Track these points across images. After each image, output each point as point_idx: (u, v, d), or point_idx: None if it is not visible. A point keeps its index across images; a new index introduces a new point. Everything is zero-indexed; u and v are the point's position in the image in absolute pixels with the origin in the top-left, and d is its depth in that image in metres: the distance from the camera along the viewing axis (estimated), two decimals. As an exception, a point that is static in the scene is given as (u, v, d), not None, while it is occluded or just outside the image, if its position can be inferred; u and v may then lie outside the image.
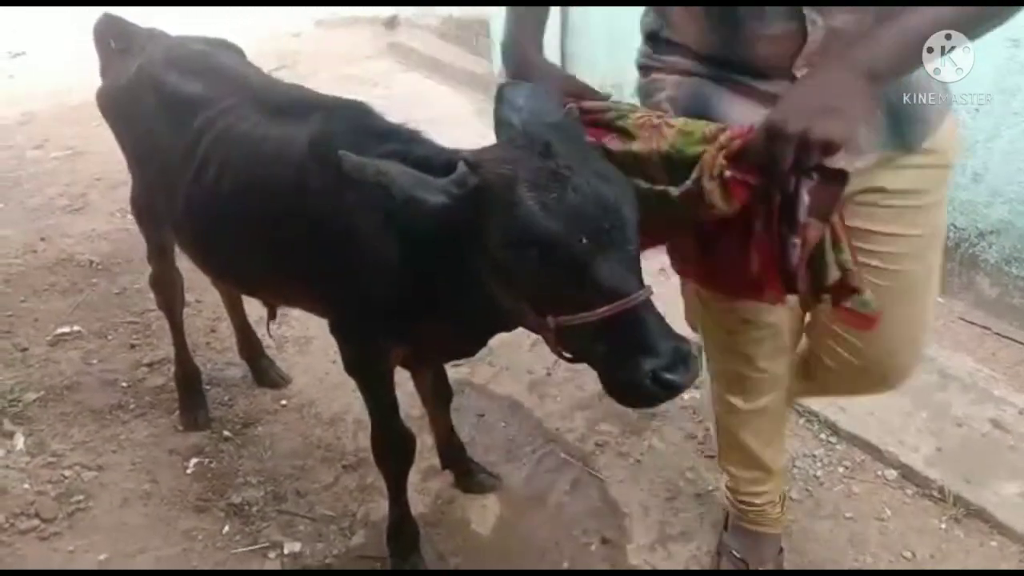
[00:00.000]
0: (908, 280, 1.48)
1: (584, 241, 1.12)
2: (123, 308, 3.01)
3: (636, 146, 1.25)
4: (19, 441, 2.35)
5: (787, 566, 1.93)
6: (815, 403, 2.33)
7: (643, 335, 1.14)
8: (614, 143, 1.28)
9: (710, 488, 2.17)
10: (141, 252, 2.43)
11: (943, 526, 2.02)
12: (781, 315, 1.57)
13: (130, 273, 3.19)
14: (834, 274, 1.22)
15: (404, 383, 1.91)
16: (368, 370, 1.72)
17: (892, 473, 2.19)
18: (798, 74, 1.26)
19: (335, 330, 1.70)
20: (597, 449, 2.33)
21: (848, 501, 2.12)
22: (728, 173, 1.13)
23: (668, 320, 1.18)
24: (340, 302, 1.65)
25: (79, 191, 3.95)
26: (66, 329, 2.86)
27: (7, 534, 2.05)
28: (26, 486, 2.19)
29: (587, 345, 1.20)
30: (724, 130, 1.16)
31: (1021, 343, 2.62)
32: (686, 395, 2.35)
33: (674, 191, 1.19)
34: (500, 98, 1.36)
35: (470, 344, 1.70)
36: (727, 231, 1.24)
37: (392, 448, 1.83)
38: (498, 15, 4.81)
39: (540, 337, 1.29)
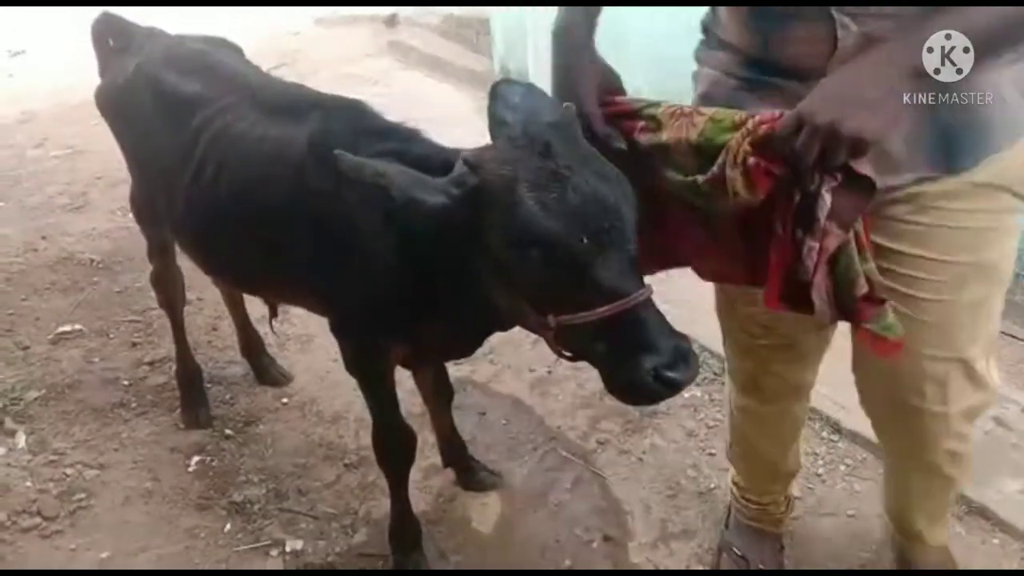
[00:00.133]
0: (939, 313, 1.31)
1: (584, 241, 1.12)
2: (124, 306, 3.01)
3: (666, 136, 1.20)
4: (21, 439, 2.35)
5: (788, 564, 1.93)
6: (817, 401, 2.32)
7: (643, 334, 1.14)
8: (644, 135, 1.24)
9: (712, 485, 2.17)
10: (142, 250, 2.43)
11: (944, 523, 2.02)
12: (802, 326, 1.47)
13: (131, 271, 3.19)
14: (862, 285, 1.15)
15: (405, 381, 1.91)
16: (368, 369, 1.72)
17: (894, 471, 2.19)
18: None
19: (335, 329, 1.71)
20: (598, 447, 2.33)
21: (850, 499, 2.12)
22: (752, 160, 1.08)
23: (669, 319, 1.18)
24: (339, 301, 1.65)
25: (79, 190, 3.95)
26: (67, 327, 2.86)
27: (9, 532, 2.05)
28: (28, 484, 2.19)
29: (587, 344, 1.20)
30: (754, 117, 1.11)
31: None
32: (687, 392, 2.34)
33: (701, 179, 1.15)
34: (495, 95, 1.35)
35: (469, 343, 1.70)
36: (747, 223, 1.19)
37: (393, 446, 1.83)
38: (498, 13, 4.84)
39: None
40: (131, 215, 2.40)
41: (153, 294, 2.51)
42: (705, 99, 1.35)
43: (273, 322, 2.31)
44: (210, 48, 2.05)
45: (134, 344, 2.81)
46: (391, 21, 6.44)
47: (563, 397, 2.52)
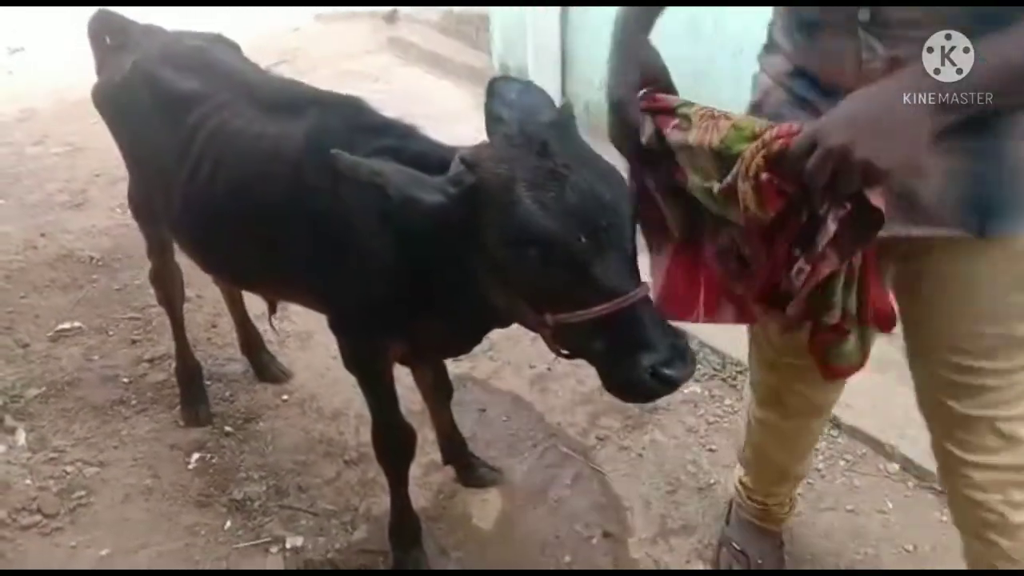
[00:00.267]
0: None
1: (582, 240, 1.12)
2: (123, 304, 3.01)
3: (692, 137, 1.16)
4: (20, 437, 2.35)
5: (787, 559, 1.94)
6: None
7: (640, 332, 1.14)
8: (675, 133, 1.19)
9: (711, 481, 2.17)
10: (141, 248, 2.42)
11: (944, 519, 2.01)
12: None
13: (130, 269, 3.18)
14: (835, 316, 1.13)
15: (404, 378, 1.92)
16: (366, 366, 1.72)
17: (894, 466, 2.19)
18: None
19: (333, 326, 1.71)
20: (598, 443, 2.33)
21: (850, 494, 2.12)
22: (764, 176, 1.03)
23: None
24: (336, 299, 1.65)
25: (79, 187, 3.94)
26: (67, 325, 2.86)
27: (9, 530, 2.05)
28: (28, 482, 2.19)
29: (585, 342, 1.20)
30: (772, 129, 1.05)
31: None
32: (686, 388, 2.35)
33: (716, 188, 1.12)
34: (491, 92, 1.35)
35: (467, 341, 1.70)
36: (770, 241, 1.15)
37: (393, 443, 1.83)
38: (498, 10, 4.83)
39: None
40: (130, 212, 2.40)
41: (152, 291, 2.50)
42: (755, 108, 1.32)
43: (272, 319, 2.31)
44: (207, 45, 2.04)
45: (134, 341, 2.81)
46: (391, 17, 6.42)
47: (563, 393, 2.52)
